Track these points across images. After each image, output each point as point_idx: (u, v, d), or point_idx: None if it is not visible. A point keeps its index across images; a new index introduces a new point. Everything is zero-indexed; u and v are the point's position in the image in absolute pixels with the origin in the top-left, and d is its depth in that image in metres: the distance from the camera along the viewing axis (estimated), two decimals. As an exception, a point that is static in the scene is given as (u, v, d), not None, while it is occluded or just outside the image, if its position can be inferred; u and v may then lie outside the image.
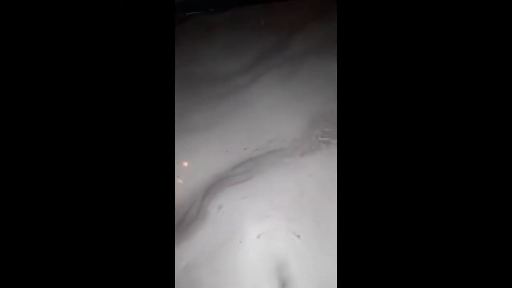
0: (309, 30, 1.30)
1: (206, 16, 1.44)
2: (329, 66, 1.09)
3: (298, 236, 0.70)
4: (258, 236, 0.69)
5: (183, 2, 1.41)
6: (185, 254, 0.69)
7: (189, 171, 0.83)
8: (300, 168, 0.82)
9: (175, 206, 0.76)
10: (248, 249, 0.69)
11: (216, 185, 0.79)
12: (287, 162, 0.83)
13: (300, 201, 0.75)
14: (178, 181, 0.82)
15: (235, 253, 0.68)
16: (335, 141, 0.86)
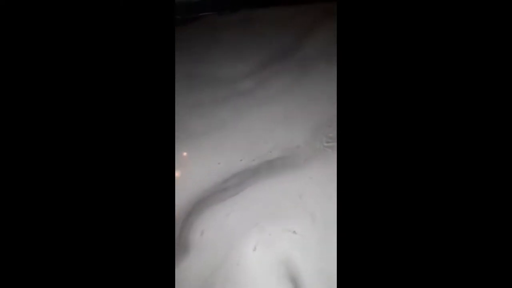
0: (318, 34, 1.26)
1: (214, 17, 1.41)
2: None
3: (294, 231, 0.68)
4: (254, 249, 0.67)
5: (194, 2, 1.40)
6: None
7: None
8: (301, 174, 0.79)
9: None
10: (250, 264, 0.66)
11: (201, 204, 0.74)
12: (287, 171, 0.80)
13: (298, 203, 0.73)
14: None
15: (235, 273, 0.65)
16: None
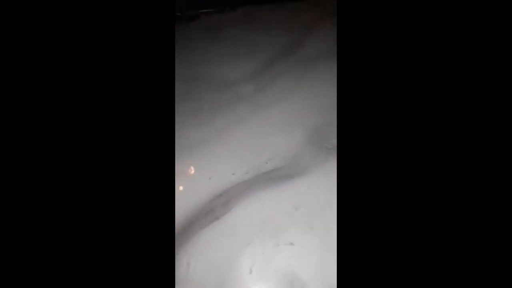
0: (322, 32, 1.22)
1: (214, 15, 1.36)
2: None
3: (291, 243, 0.64)
4: (250, 271, 0.62)
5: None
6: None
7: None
8: (299, 184, 0.75)
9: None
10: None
11: (186, 231, 0.68)
12: (283, 181, 0.76)
13: (294, 215, 0.69)
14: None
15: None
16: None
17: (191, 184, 0.75)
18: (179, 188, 0.75)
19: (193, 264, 0.62)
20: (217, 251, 0.64)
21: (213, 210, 0.70)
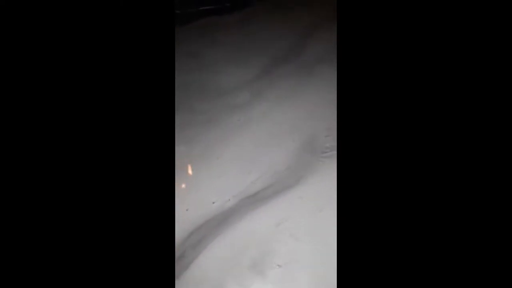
0: (324, 34, 1.18)
1: (212, 18, 1.33)
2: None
3: (279, 265, 0.61)
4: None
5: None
6: None
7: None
8: (290, 197, 0.72)
9: None
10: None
11: None
12: (270, 199, 0.71)
13: (278, 232, 0.65)
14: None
15: None
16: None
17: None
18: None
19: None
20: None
21: (184, 256, 0.63)
